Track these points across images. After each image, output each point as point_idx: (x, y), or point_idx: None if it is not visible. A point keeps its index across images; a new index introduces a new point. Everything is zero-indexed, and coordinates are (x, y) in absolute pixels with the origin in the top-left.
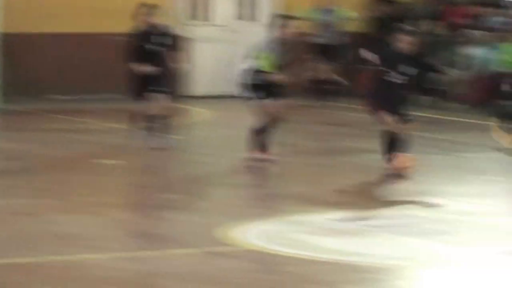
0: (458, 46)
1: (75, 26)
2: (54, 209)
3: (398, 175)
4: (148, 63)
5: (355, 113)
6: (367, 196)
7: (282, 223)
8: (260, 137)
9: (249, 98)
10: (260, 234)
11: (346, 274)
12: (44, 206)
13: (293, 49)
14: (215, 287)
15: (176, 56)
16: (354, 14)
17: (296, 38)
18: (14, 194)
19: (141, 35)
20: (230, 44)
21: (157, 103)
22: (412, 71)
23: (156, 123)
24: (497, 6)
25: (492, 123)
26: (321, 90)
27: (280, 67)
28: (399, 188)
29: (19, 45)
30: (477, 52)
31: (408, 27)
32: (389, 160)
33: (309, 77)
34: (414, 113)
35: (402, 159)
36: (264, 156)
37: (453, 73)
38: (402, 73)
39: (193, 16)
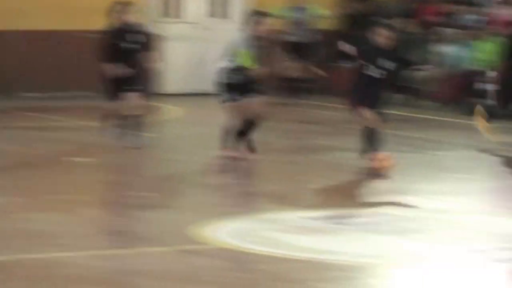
0: (431, 44)
1: (46, 24)
2: (26, 207)
3: (374, 173)
4: (122, 62)
5: (328, 111)
6: (340, 194)
7: (255, 221)
8: (236, 136)
9: (224, 98)
10: (233, 232)
11: (319, 272)
12: (15, 204)
13: (268, 46)
14: (188, 285)
15: (150, 54)
16: (326, 12)
17: (270, 35)
18: None
19: (115, 33)
20: (202, 41)
21: (131, 102)
22: (391, 65)
23: (129, 121)
24: (470, 4)
25: (478, 108)
26: (293, 88)
27: (259, 63)
28: (372, 186)
29: None
30: (449, 50)
31: (387, 21)
32: (369, 158)
33: (281, 75)
34: (387, 111)
35: (379, 157)
36: (237, 154)
37: (426, 71)
38: (381, 67)
39: (165, 14)
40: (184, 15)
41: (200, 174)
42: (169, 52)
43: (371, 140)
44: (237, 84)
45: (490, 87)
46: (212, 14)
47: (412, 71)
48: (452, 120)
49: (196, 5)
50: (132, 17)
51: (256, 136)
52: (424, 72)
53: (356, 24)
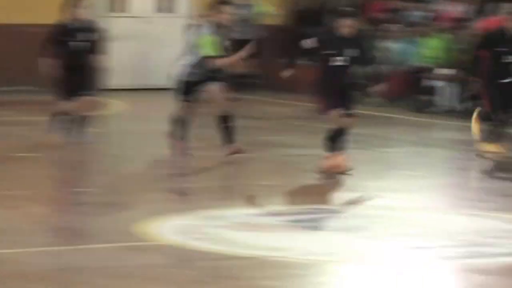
0: (378, 41)
1: None
2: None
3: (324, 171)
4: (72, 57)
5: (273, 106)
6: (287, 191)
7: (200, 217)
8: (181, 131)
9: (181, 97)
10: (177, 229)
11: (265, 270)
12: None
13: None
14: (131, 281)
15: (99, 50)
16: (272, 8)
17: (231, 23)
18: None
19: (66, 30)
20: (147, 36)
21: (78, 97)
22: (356, 53)
23: (76, 117)
24: (417, 0)
25: (476, 111)
26: (238, 84)
27: (222, 51)
28: (320, 183)
29: None
30: (396, 46)
31: (347, 10)
32: (325, 157)
33: (228, 71)
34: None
35: (336, 158)
36: (183, 149)
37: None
38: (347, 56)
39: (111, 8)
40: (130, 10)
41: (145, 170)
42: (115, 46)
43: (334, 141)
44: (197, 82)
45: (437, 84)
46: (159, 9)
47: (372, 63)
48: (399, 116)
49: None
50: (84, 13)
51: (202, 132)
52: (371, 68)
53: (303, 21)
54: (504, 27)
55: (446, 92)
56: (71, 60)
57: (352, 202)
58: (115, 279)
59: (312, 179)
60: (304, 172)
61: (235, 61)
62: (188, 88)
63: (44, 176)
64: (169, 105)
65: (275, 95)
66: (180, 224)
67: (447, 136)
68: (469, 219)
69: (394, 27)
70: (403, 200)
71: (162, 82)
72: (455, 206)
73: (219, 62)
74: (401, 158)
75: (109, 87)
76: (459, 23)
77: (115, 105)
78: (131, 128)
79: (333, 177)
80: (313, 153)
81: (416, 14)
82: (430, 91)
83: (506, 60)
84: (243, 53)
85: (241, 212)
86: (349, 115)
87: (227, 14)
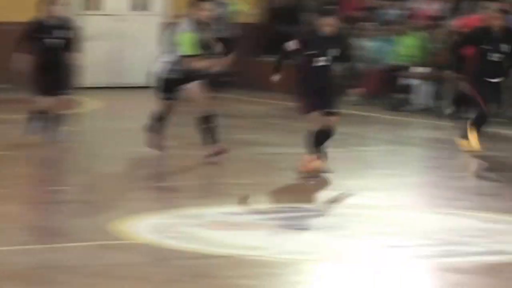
0: (354, 39)
1: None
2: None
3: (301, 171)
4: (47, 54)
5: (248, 105)
6: (263, 190)
7: (176, 216)
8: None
9: (161, 95)
10: (152, 228)
11: (242, 269)
12: None
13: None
14: (106, 280)
15: (75, 48)
16: (247, 6)
17: (211, 20)
18: None
19: (41, 27)
20: (122, 34)
21: (53, 96)
22: (337, 52)
23: (50, 115)
24: None
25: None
26: (213, 82)
27: (202, 48)
28: (296, 182)
29: None
30: (372, 45)
31: (328, 8)
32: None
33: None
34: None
35: (313, 159)
36: (160, 146)
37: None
38: (329, 56)
39: (86, 6)
40: (104, 8)
41: (120, 168)
42: (90, 44)
43: (317, 143)
44: (176, 80)
45: (412, 82)
46: (133, 7)
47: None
48: (375, 115)
49: None
50: (59, 10)
51: (178, 130)
52: (348, 66)
53: (279, 19)
54: (489, 25)
55: (421, 90)
56: (46, 57)
57: (329, 201)
58: (91, 277)
59: (288, 177)
60: (280, 171)
61: (213, 64)
62: (168, 86)
63: (21, 175)
64: (145, 103)
65: (250, 94)
66: (157, 223)
67: (423, 135)
68: (445, 217)
69: (369, 25)
70: (380, 198)
71: (137, 80)
72: (431, 205)
73: (197, 64)
74: (377, 157)
75: (84, 85)
76: (434, 21)
77: (90, 104)
78: (106, 126)
79: (311, 176)
80: (288, 151)
81: (392, 12)
82: (406, 89)
83: (492, 58)
84: (227, 59)
85: (218, 211)
86: (332, 114)
87: (207, 11)
